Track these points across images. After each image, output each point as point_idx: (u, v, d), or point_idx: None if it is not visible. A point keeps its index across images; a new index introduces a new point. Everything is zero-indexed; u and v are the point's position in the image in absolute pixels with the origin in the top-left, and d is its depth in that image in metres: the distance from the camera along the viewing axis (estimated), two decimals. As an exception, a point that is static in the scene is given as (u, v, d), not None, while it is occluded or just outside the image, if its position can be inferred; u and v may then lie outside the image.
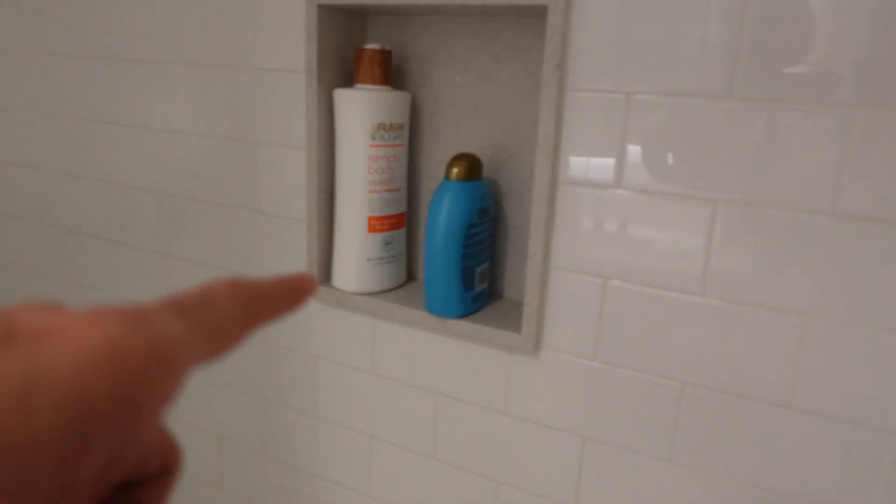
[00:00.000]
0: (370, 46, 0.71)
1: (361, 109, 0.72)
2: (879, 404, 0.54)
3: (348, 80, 0.77)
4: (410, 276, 0.82)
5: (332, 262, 0.79)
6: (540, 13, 0.63)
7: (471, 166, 0.68)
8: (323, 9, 0.71)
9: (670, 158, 0.58)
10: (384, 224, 0.75)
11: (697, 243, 0.58)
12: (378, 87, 0.72)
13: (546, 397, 0.69)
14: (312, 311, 0.83)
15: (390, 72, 0.73)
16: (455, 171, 0.68)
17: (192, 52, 0.83)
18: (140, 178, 0.93)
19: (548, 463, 0.70)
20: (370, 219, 0.74)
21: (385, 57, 0.72)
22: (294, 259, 0.82)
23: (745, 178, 0.55)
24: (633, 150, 0.59)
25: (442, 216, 0.67)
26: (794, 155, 0.53)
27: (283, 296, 0.21)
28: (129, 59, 0.89)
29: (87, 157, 0.98)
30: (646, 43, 0.57)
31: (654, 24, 0.56)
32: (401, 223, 0.77)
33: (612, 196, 0.61)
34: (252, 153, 0.82)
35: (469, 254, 0.69)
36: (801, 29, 0.51)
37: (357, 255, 0.76)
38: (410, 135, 0.77)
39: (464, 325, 0.69)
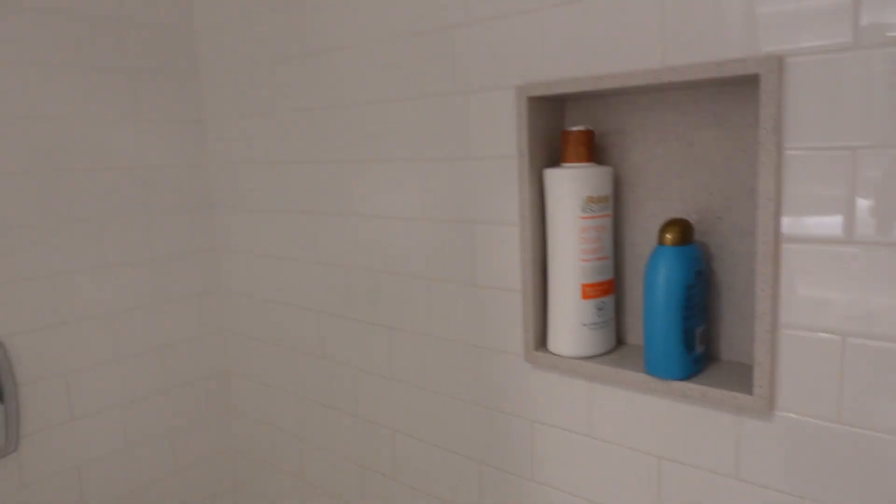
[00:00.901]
0: (576, 128, 0.78)
1: (572, 186, 0.78)
2: None
3: (553, 160, 0.84)
4: (621, 341, 0.85)
5: (547, 328, 0.84)
6: (747, 81, 0.66)
7: (683, 231, 0.71)
8: (532, 100, 0.80)
9: (906, 210, 0.57)
10: (596, 290, 0.79)
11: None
12: (584, 164, 0.78)
13: (781, 461, 0.67)
14: (528, 376, 0.88)
15: (592, 149, 0.79)
16: (668, 236, 0.71)
17: (414, 149, 0.95)
18: (367, 261, 1.05)
19: (789, 530, 0.68)
20: (583, 286, 0.79)
21: (589, 137, 0.78)
22: (509, 326, 0.88)
23: None
24: (862, 204, 0.59)
25: (661, 280, 0.70)
26: None
27: None
28: (357, 161, 1.03)
29: (324, 246, 1.13)
30: (864, 96, 0.58)
31: (868, 77, 0.57)
32: (611, 289, 0.81)
33: (841, 251, 0.61)
34: (468, 232, 0.91)
35: (688, 316, 0.70)
36: None
37: (572, 321, 0.80)
38: (614, 205, 0.81)
39: (689, 386, 0.70)
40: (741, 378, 0.70)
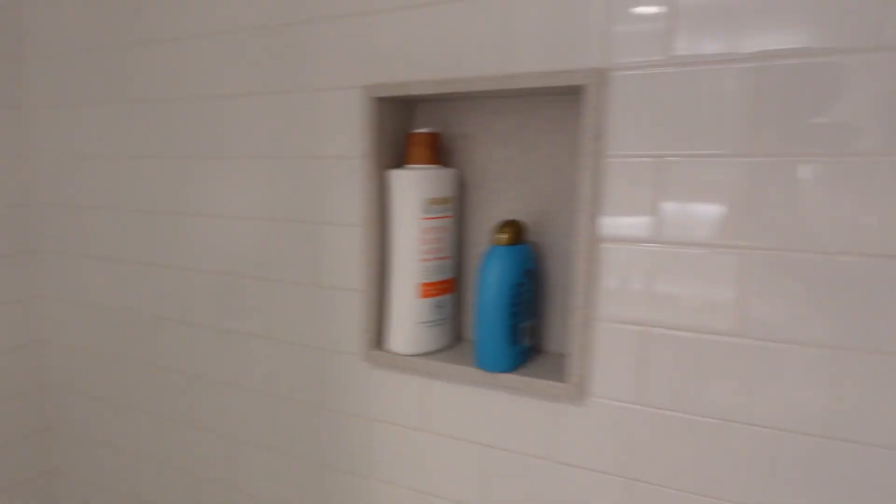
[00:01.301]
0: (420, 131, 0.80)
1: (414, 187, 0.80)
2: (917, 436, 0.57)
3: (400, 161, 0.86)
4: (459, 338, 0.87)
5: (386, 327, 0.84)
6: (576, 91, 0.72)
7: (516, 231, 0.75)
8: (377, 101, 0.81)
9: (701, 212, 0.64)
10: (435, 289, 0.81)
11: (731, 287, 0.63)
12: (428, 165, 0.81)
13: (592, 442, 0.72)
14: (367, 375, 0.88)
15: (438, 151, 0.82)
16: (501, 236, 0.74)
17: (260, 147, 0.93)
18: (208, 262, 1.01)
19: (599, 512, 0.73)
20: (422, 285, 0.81)
21: (434, 139, 0.81)
22: (350, 327, 0.88)
23: (770, 225, 0.61)
24: (666, 207, 0.66)
25: (491, 279, 0.73)
26: (816, 201, 0.59)
27: None
28: (200, 157, 0.99)
29: (160, 247, 1.07)
30: (672, 110, 0.65)
31: (678, 92, 0.64)
32: (450, 288, 0.83)
33: (648, 250, 0.67)
34: (312, 233, 0.90)
35: (516, 312, 0.74)
36: (821, 83, 0.59)
37: (410, 319, 0.81)
38: (458, 206, 0.84)
39: (512, 378, 0.74)
40: (561, 368, 0.75)
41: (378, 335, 0.86)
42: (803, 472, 0.62)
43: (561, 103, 0.76)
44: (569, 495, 0.75)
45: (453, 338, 0.86)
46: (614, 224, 0.69)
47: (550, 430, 0.75)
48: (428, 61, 0.79)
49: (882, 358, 0.58)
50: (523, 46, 0.72)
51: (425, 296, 0.81)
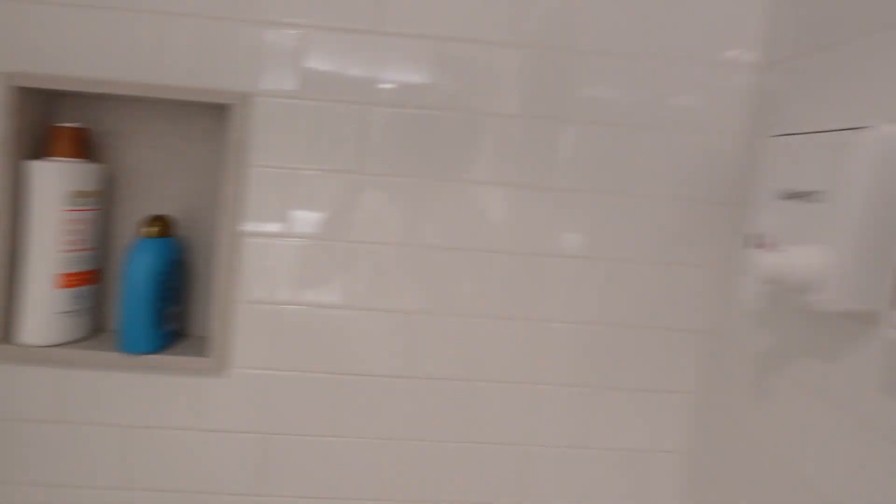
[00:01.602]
0: (64, 124, 0.82)
1: (55, 179, 0.81)
2: (468, 362, 0.84)
3: (43, 153, 0.85)
4: (102, 328, 0.89)
5: (18, 319, 0.82)
6: (224, 108, 0.83)
7: (164, 225, 0.82)
8: (19, 89, 0.80)
9: (319, 214, 0.82)
10: (76, 280, 0.83)
11: (338, 270, 0.84)
12: (72, 159, 0.82)
13: (234, 407, 0.85)
14: (-11, 370, 0.84)
15: (84, 146, 0.84)
16: (147, 229, 0.81)
17: None
18: None
19: (237, 463, 0.85)
20: (60, 275, 0.82)
21: (78, 133, 0.83)
22: (-30, 319, 0.83)
23: (361, 224, 0.83)
24: (295, 209, 0.83)
25: (137, 268, 0.80)
26: (385, 203, 0.82)
27: None
28: None
29: None
30: (302, 133, 0.81)
31: (307, 120, 0.81)
32: (92, 279, 0.86)
33: (281, 243, 0.83)
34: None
35: (161, 298, 0.82)
36: (410, 126, 0.81)
37: (46, 310, 0.82)
38: (108, 200, 0.87)
39: (155, 358, 0.81)
40: (204, 347, 0.85)
41: (5, 328, 0.83)
42: (391, 406, 0.85)
43: (212, 115, 0.87)
44: (214, 458, 0.85)
45: (94, 328, 0.88)
46: (253, 222, 0.82)
47: (195, 402, 0.84)
48: (78, 58, 0.81)
49: (440, 318, 0.84)
50: (175, 61, 0.81)
51: (65, 286, 0.82)
